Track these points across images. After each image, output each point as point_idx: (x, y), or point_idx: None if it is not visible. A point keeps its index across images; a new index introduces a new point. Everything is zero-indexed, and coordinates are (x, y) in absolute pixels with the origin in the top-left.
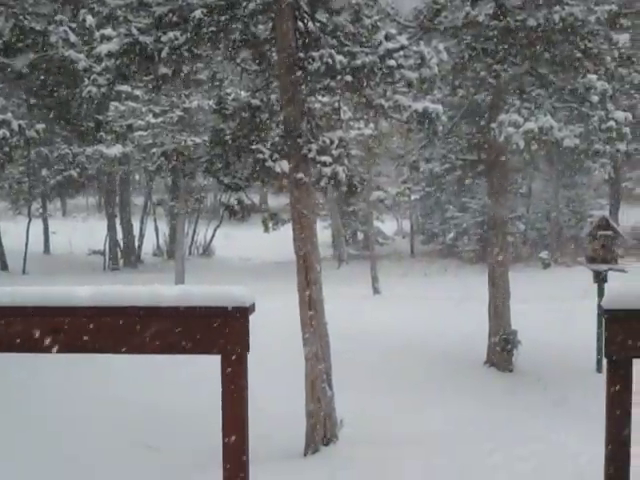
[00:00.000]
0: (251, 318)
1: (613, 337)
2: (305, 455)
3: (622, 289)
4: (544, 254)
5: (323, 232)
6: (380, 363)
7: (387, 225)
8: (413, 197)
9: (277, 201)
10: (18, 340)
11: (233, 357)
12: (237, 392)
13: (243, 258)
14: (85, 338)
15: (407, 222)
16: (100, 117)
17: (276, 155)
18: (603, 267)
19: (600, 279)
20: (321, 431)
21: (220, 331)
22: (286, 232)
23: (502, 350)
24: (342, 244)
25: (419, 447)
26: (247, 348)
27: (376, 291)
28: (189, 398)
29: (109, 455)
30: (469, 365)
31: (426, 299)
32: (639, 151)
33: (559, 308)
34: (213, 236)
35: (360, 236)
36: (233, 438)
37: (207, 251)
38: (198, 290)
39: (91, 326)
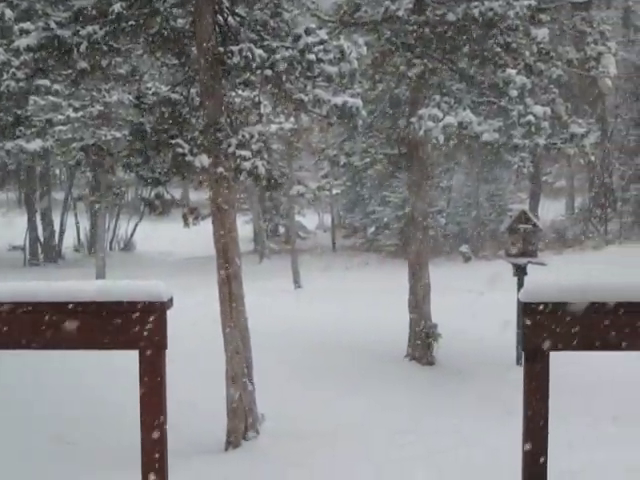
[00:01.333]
0: (171, 313)
1: (530, 330)
2: (226, 450)
3: (539, 282)
4: (464, 248)
5: (244, 227)
6: (301, 357)
7: (309, 219)
8: (334, 191)
9: (198, 196)
10: None
11: (151, 352)
12: (155, 388)
13: (164, 253)
14: (3, 333)
15: (328, 216)
16: (19, 112)
17: (196, 149)
18: (522, 260)
19: (520, 272)
20: (242, 426)
21: (137, 326)
22: (207, 227)
23: (422, 343)
24: (263, 238)
25: (340, 440)
26: (165, 343)
27: (297, 285)
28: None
29: (29, 453)
30: (390, 358)
31: (347, 293)
32: (558, 145)
33: (480, 301)
34: (134, 231)
35: (281, 230)
36: (151, 434)
37: (128, 246)
38: (115, 285)
39: (9, 321)
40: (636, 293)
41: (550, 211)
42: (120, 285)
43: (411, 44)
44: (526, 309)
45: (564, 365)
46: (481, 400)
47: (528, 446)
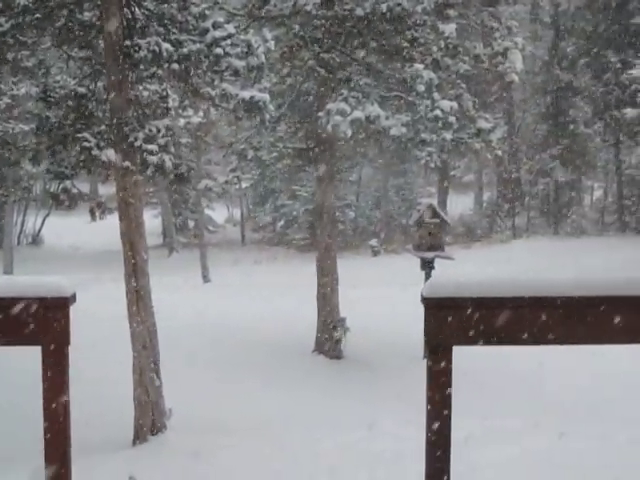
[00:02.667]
0: (79, 308)
1: (432, 325)
2: (134, 445)
3: (441, 277)
4: (373, 242)
5: (153, 220)
6: (210, 352)
7: (218, 213)
8: (244, 185)
9: (108, 189)
10: None
11: (53, 348)
12: (58, 383)
13: (73, 247)
14: None
15: (238, 210)
16: None
17: (103, 143)
18: (430, 255)
19: (427, 266)
20: (149, 421)
21: (39, 323)
22: (116, 220)
23: (331, 337)
24: (172, 232)
25: (249, 435)
26: (68, 339)
27: (206, 279)
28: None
29: None
30: (298, 353)
31: (256, 287)
32: (465, 140)
33: (388, 295)
34: (42, 225)
35: (191, 224)
36: (54, 431)
37: (36, 240)
38: (17, 281)
39: None
40: (537, 287)
41: (459, 205)
42: (22, 281)
43: (319, 38)
44: (428, 304)
45: (468, 359)
46: (389, 394)
47: (430, 441)
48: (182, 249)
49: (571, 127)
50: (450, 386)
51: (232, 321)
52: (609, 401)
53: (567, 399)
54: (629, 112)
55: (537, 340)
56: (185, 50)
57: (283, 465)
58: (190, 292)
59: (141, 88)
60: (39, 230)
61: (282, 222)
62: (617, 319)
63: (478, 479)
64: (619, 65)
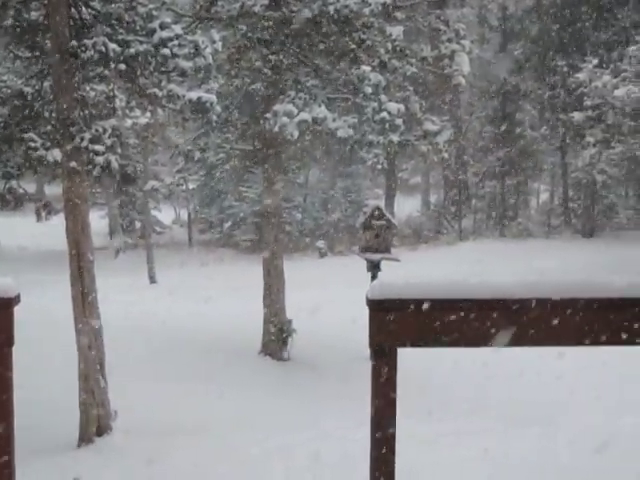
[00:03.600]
0: (24, 309)
1: (376, 326)
2: (79, 446)
3: (386, 279)
4: (320, 243)
5: (99, 221)
6: (157, 353)
7: (165, 214)
8: (191, 186)
9: (54, 190)
10: None
11: None
12: (1, 385)
13: (20, 247)
14: None
15: (185, 211)
16: None
17: (49, 144)
18: (376, 256)
19: (374, 268)
20: (94, 422)
21: None
22: (63, 221)
23: (277, 339)
24: (119, 233)
25: (194, 436)
26: (11, 340)
27: (152, 280)
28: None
29: None
30: (244, 354)
31: (203, 288)
32: (412, 142)
33: (335, 297)
34: None
35: (138, 225)
36: None
37: None
38: None
39: None
40: (483, 289)
41: (406, 207)
42: None
43: (267, 40)
44: (372, 306)
45: (416, 362)
46: (335, 395)
47: (375, 443)
48: (129, 250)
49: (518, 130)
50: (395, 388)
51: (179, 322)
52: (556, 403)
53: (514, 401)
54: (576, 115)
55: (483, 342)
56: (132, 50)
57: (229, 468)
58: (137, 293)
59: (88, 88)
60: None
61: (229, 223)
62: (566, 321)
63: None
64: (566, 69)
